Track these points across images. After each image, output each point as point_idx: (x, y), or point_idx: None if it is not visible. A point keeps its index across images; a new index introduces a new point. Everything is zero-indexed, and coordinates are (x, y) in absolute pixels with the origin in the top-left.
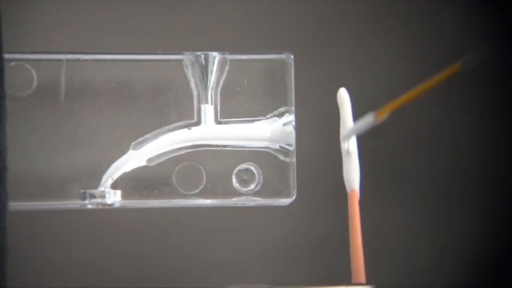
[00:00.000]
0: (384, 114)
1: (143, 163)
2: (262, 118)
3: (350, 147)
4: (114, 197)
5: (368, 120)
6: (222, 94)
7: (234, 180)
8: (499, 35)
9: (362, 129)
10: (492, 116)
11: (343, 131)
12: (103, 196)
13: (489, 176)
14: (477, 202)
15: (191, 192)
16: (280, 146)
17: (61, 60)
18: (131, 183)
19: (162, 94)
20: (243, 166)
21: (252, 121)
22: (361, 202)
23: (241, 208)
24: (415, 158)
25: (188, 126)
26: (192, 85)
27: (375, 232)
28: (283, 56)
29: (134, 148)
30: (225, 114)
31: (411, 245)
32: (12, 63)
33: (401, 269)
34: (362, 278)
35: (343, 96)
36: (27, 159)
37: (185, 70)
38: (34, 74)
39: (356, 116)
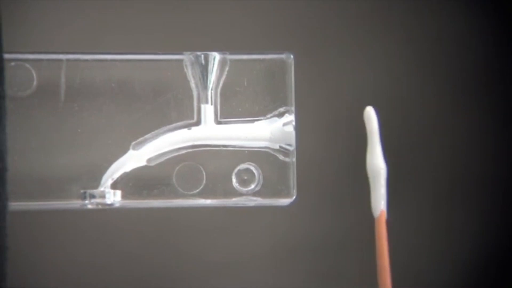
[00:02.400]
0: None
1: (143, 163)
2: (262, 118)
3: (380, 170)
4: (114, 197)
5: None
6: (222, 94)
7: (234, 180)
8: (499, 35)
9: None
10: (492, 116)
11: (370, 152)
12: (103, 196)
13: (489, 176)
14: (477, 202)
15: (191, 192)
16: (280, 146)
17: (61, 60)
18: (131, 183)
19: (162, 94)
20: (243, 166)
21: (252, 121)
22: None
23: (241, 208)
24: (415, 157)
25: (188, 126)
26: (192, 85)
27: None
28: (283, 56)
29: (134, 148)
30: (225, 114)
31: (411, 245)
32: (12, 63)
33: (401, 269)
34: None
35: (371, 115)
36: (27, 159)
37: (185, 70)
38: (34, 74)
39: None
